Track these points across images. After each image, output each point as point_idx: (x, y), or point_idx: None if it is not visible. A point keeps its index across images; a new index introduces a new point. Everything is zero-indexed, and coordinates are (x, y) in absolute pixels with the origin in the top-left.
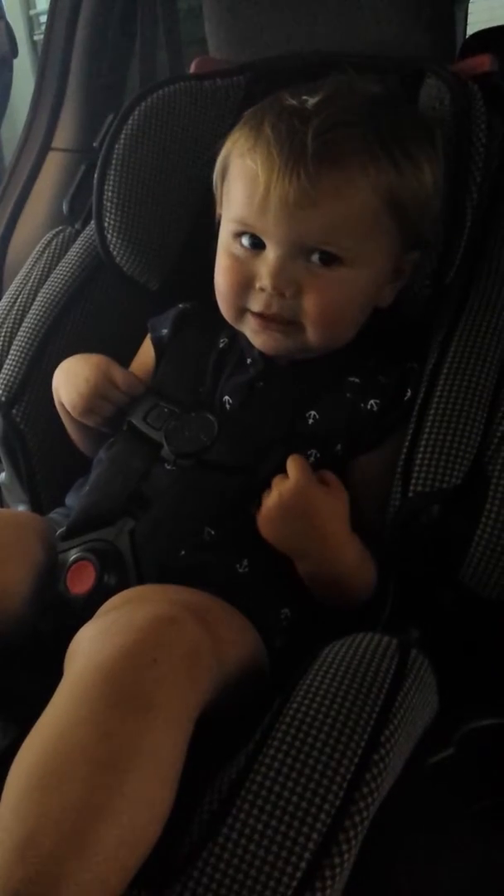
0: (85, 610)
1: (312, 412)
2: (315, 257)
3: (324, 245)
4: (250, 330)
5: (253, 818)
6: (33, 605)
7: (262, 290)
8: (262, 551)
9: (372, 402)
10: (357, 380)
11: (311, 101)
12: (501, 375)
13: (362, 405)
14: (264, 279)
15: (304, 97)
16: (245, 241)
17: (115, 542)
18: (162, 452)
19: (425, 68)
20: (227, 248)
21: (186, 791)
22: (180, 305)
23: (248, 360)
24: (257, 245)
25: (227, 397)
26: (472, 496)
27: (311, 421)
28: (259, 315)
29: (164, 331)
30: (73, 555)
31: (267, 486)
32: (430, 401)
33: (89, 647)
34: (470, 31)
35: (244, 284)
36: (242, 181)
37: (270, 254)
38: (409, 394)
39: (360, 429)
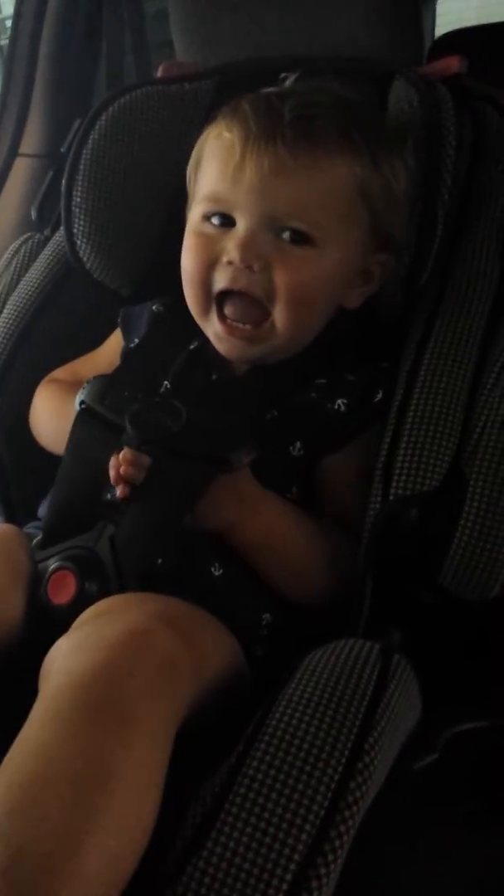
0: (68, 620)
1: (273, 411)
2: (286, 235)
3: (295, 219)
4: (214, 334)
5: (237, 831)
6: (24, 617)
7: (229, 263)
8: (231, 553)
9: (339, 401)
10: (324, 381)
11: (289, 80)
12: (476, 378)
13: (329, 405)
14: (232, 252)
15: (282, 76)
16: (215, 220)
17: (96, 549)
18: (123, 438)
19: (394, 71)
20: (194, 229)
21: (170, 805)
22: (153, 307)
23: (214, 377)
24: (226, 224)
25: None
26: (450, 499)
27: (269, 418)
28: (223, 320)
29: (136, 340)
30: (52, 563)
31: None
32: (409, 403)
33: (63, 665)
34: (438, 33)
35: (211, 261)
36: (217, 155)
37: (240, 227)
38: (379, 395)
39: (326, 429)
